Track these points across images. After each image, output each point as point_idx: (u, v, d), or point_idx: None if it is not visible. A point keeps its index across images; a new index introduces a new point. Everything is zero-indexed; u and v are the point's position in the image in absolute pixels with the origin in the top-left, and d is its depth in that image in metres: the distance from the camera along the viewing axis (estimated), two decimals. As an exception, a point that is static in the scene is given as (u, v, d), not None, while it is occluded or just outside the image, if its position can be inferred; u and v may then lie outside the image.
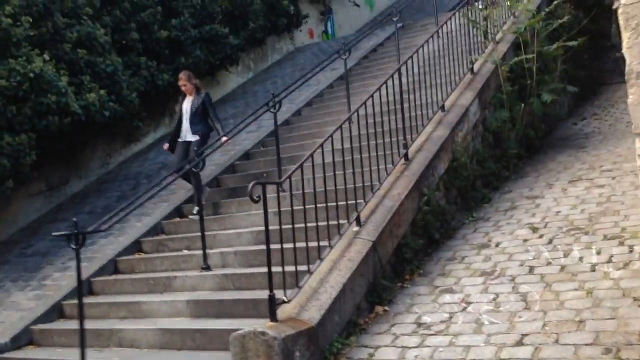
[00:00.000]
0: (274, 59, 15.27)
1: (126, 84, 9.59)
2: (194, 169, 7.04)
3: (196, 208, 7.52)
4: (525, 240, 6.14)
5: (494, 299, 5.02)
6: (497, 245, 6.21)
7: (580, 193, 7.21)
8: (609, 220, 6.13)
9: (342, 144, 6.53)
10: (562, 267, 5.31)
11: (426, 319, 4.96)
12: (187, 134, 8.18)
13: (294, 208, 5.21)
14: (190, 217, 7.85)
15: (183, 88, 8.32)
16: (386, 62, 12.28)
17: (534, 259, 5.65)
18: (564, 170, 8.38)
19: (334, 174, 6.19)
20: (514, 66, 9.16)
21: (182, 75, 8.33)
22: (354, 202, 5.93)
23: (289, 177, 5.14)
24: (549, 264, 5.47)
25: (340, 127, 5.96)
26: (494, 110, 8.74)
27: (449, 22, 8.72)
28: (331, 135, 5.78)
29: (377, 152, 6.70)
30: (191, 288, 6.22)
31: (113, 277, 7.10)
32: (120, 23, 9.90)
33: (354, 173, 6.23)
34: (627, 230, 5.74)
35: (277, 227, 5.00)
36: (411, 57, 7.59)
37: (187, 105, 8.28)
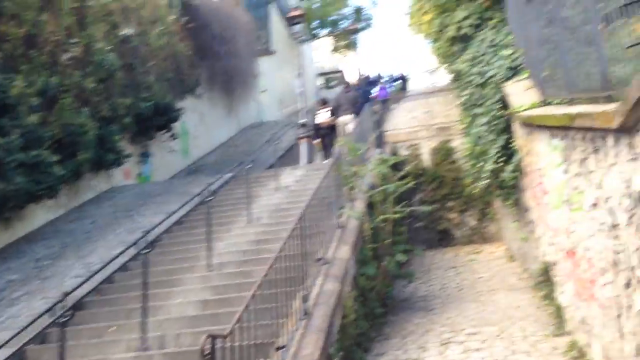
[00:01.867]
0: (87, 197, 13.82)
1: None
2: None
3: None
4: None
5: None
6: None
7: (460, 357, 7.10)
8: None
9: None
10: None
11: None
12: None
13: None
14: None
15: None
16: (225, 211, 11.74)
17: None
18: (426, 332, 8.30)
19: (233, 327, 5.31)
20: (373, 225, 9.26)
21: None
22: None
23: (232, 330, 4.22)
24: None
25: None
26: (360, 266, 8.57)
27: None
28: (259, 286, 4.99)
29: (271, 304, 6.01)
30: None
31: None
32: None
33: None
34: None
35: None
36: (303, 214, 7.17)
37: None
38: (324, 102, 15.33)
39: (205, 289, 7.88)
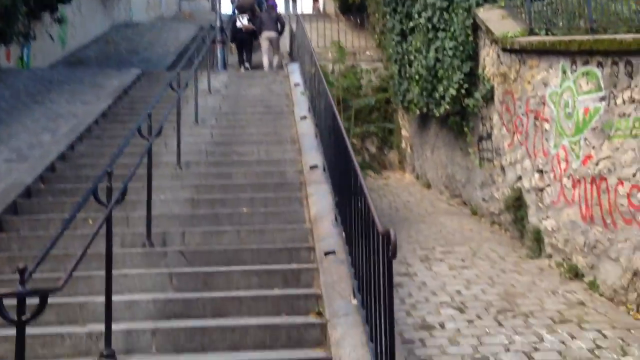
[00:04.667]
0: (-32, 75, 11.73)
1: None
2: None
3: None
4: (469, 322, 5.67)
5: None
6: (442, 327, 5.59)
7: (450, 273, 7.13)
8: (528, 302, 6.11)
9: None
10: (562, 354, 4.99)
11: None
12: None
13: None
14: None
15: None
16: (157, 109, 10.59)
17: (510, 343, 5.21)
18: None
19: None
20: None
21: None
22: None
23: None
24: (536, 349, 5.09)
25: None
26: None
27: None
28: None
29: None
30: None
31: None
32: None
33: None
34: (564, 314, 5.78)
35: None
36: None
37: None
38: (242, 9, 14.80)
39: (184, 188, 7.05)
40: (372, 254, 3.89)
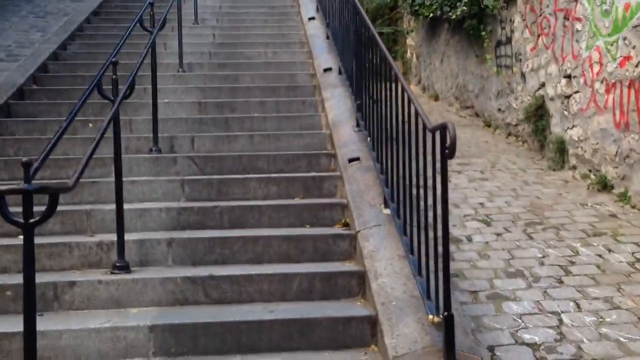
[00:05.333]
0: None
1: None
2: None
3: None
4: (498, 235, 5.38)
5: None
6: (469, 240, 5.28)
7: (471, 185, 6.80)
8: (557, 215, 5.81)
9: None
10: (600, 267, 4.71)
11: None
12: None
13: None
14: None
15: None
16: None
17: (543, 256, 4.92)
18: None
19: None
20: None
21: None
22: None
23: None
24: (573, 263, 4.80)
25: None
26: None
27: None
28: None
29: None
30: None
31: None
32: None
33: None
34: (596, 227, 5.49)
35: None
36: None
37: None
38: None
39: (189, 91, 6.55)
40: (416, 156, 3.48)
